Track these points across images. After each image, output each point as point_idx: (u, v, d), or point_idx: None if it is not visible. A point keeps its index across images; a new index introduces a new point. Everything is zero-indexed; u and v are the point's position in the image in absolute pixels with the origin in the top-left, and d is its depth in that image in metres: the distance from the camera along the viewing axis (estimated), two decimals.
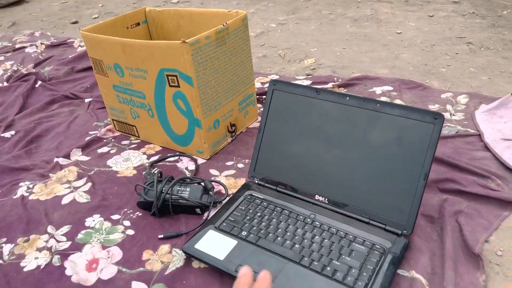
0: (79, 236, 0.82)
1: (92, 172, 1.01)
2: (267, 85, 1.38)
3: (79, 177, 1.00)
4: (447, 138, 1.01)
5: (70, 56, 1.79)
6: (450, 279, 0.63)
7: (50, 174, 1.01)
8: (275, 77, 1.43)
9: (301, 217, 0.76)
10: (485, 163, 0.90)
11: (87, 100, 1.41)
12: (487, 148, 0.96)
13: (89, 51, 1.05)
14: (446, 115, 1.11)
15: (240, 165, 0.97)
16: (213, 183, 0.87)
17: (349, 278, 0.63)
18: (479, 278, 0.64)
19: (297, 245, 0.69)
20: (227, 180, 0.93)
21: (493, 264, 0.66)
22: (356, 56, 1.56)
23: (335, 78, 1.36)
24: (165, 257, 0.74)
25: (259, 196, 0.81)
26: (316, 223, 0.74)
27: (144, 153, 1.07)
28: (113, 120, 1.16)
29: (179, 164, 1.00)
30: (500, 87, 1.22)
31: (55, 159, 1.07)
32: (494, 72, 1.32)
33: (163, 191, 0.81)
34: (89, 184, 0.97)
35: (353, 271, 0.64)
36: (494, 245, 0.70)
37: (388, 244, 0.68)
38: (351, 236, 0.71)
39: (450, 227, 0.73)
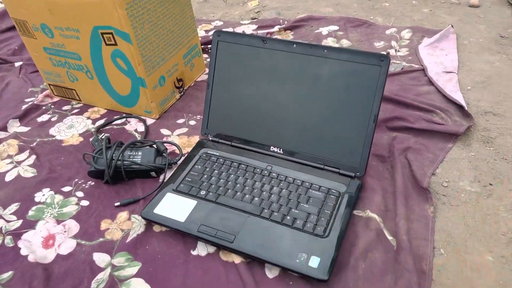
0: (30, 213, 0.78)
1: (34, 144, 0.95)
2: (211, 33, 1.32)
3: (21, 150, 0.93)
4: (394, 75, 1.03)
5: None
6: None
7: None
8: (218, 23, 1.37)
9: (258, 170, 0.76)
10: (429, 98, 0.93)
11: (17, 64, 1.29)
12: (431, 82, 0.99)
13: (10, 11, 0.94)
14: (392, 52, 1.12)
15: (192, 122, 0.95)
16: (165, 144, 0.85)
17: (308, 225, 0.65)
18: (428, 210, 0.68)
19: (256, 198, 0.70)
20: (180, 139, 0.90)
21: (440, 195, 0.71)
22: None
23: (281, 21, 1.33)
24: (124, 225, 0.73)
25: (214, 153, 0.80)
26: (273, 174, 0.75)
27: (88, 118, 1.01)
28: (49, 85, 1.07)
29: (127, 127, 0.96)
30: (441, 19, 1.24)
31: None
32: (435, 3, 1.33)
33: (113, 158, 0.78)
34: (33, 156, 0.91)
35: (312, 217, 0.66)
36: (440, 177, 0.74)
37: (343, 188, 0.71)
38: (307, 184, 0.72)
39: (400, 164, 0.76)
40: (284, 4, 1.45)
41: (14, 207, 0.80)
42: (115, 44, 0.85)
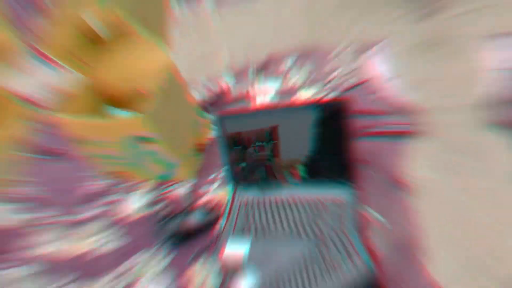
0: (131, 273, 1.09)
1: (108, 223, 1.24)
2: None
3: (99, 230, 1.23)
4: (349, 89, 1.33)
5: None
6: None
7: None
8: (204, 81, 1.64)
9: (284, 200, 1.08)
10: (384, 104, 1.25)
11: None
12: (380, 90, 1.30)
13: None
14: (340, 70, 1.42)
15: (222, 174, 1.25)
16: (210, 200, 1.17)
17: (337, 242, 0.96)
18: (411, 204, 1.01)
19: (292, 224, 1.02)
20: (219, 191, 1.21)
21: (416, 188, 1.03)
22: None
23: (250, 65, 1.60)
24: (201, 276, 1.04)
25: (248, 196, 1.13)
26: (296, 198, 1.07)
27: (141, 191, 1.30)
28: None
29: (175, 192, 1.26)
30: (377, 30, 1.51)
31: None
32: (373, 17, 1.59)
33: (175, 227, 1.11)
34: (113, 234, 1.21)
35: (335, 232, 0.98)
36: (412, 171, 1.07)
37: (348, 196, 1.04)
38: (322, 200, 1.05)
39: (379, 167, 1.09)
40: (245, 44, 1.70)
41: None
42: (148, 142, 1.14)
